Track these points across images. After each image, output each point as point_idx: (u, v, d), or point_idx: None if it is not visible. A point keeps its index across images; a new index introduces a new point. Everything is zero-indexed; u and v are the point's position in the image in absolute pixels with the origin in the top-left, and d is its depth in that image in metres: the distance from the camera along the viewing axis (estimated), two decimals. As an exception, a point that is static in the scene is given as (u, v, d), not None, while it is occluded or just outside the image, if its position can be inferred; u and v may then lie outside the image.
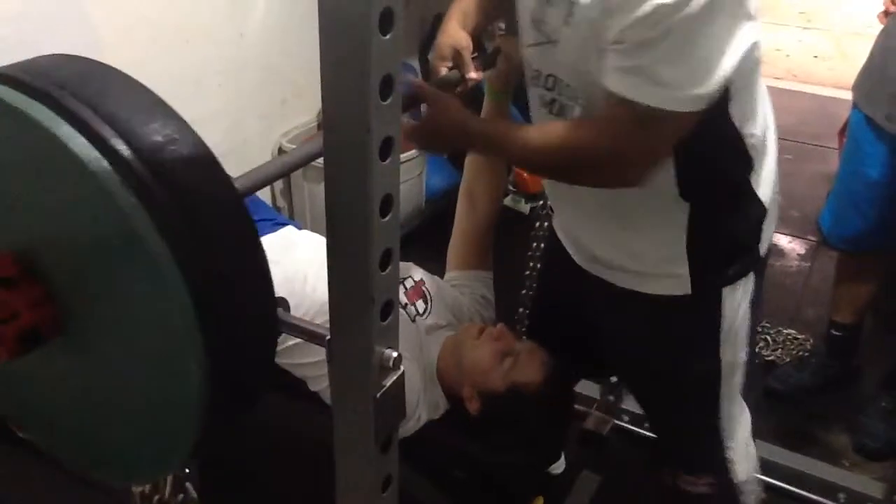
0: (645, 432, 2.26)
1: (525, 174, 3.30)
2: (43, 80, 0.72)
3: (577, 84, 1.16)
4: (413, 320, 1.56)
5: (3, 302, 0.75)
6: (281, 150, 2.81)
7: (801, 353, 2.55)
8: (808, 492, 2.03)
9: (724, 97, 1.07)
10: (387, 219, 0.67)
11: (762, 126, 1.22)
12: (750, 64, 1.07)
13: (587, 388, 2.32)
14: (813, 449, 2.14)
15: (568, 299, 1.51)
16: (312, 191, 2.78)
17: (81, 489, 1.88)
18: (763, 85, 1.21)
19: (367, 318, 0.70)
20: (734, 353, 1.36)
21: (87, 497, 1.88)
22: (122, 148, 0.69)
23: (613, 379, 2.27)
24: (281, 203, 2.92)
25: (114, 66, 0.76)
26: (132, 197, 0.68)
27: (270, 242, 1.69)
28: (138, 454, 0.86)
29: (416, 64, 3.41)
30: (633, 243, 1.29)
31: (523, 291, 2.19)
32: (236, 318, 0.74)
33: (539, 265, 2.11)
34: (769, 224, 1.29)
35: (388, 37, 0.60)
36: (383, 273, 0.69)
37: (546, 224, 2.06)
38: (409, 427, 1.44)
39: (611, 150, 1.09)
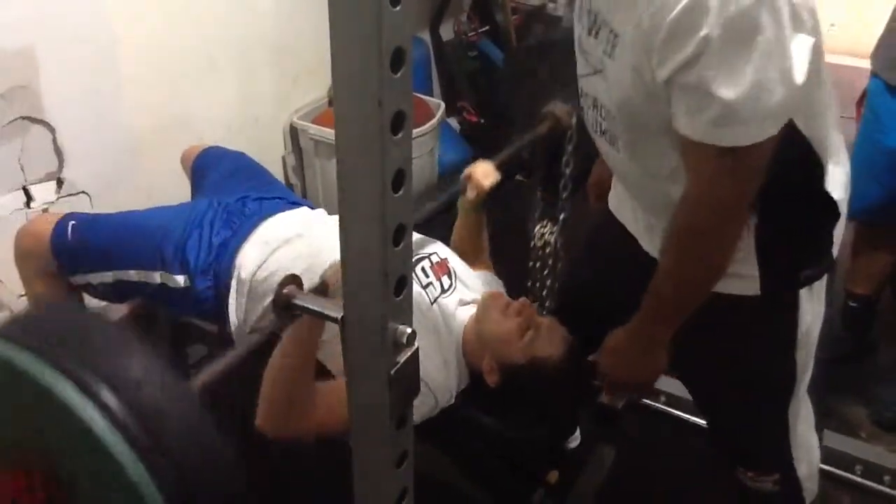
0: (659, 405, 2.26)
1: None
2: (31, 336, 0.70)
3: (618, 116, 1.17)
4: (434, 301, 1.55)
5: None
6: (293, 128, 2.80)
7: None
8: (825, 464, 2.02)
9: None
10: (399, 193, 0.66)
11: (829, 124, 1.19)
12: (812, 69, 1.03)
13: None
14: (829, 421, 2.13)
15: (618, 286, 1.43)
16: (325, 167, 2.78)
17: None
18: (827, 81, 1.17)
19: (381, 293, 0.70)
20: (808, 353, 1.36)
21: None
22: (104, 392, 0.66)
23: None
24: (294, 180, 2.91)
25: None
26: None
27: (287, 219, 1.69)
28: None
29: (426, 37, 3.38)
30: None
31: (530, 264, 2.17)
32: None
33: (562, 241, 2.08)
34: (840, 225, 1.27)
35: (397, 8, 0.59)
36: (396, 248, 0.69)
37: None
38: (423, 412, 1.44)
39: (719, 200, 1.09)
